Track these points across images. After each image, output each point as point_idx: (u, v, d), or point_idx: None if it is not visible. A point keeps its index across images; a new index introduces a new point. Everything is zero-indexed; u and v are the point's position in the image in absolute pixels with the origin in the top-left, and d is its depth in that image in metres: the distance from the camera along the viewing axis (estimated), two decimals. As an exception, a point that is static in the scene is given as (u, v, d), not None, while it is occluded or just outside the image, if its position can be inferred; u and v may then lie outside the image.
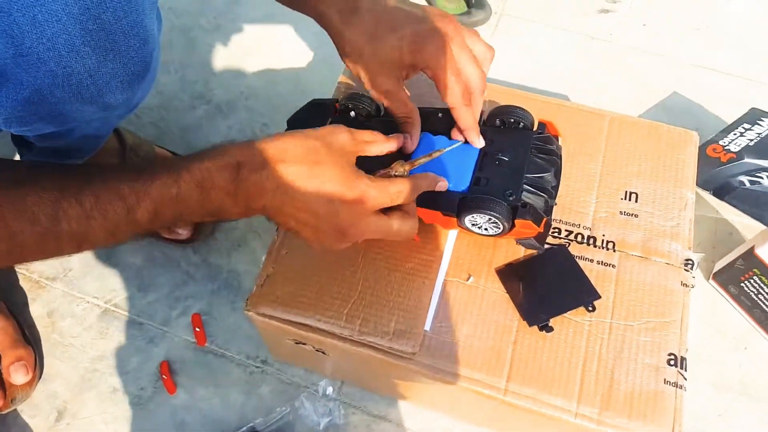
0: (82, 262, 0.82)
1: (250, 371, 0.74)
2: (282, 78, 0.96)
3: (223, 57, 0.99)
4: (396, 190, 0.48)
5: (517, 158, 0.53)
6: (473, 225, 0.53)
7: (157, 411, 0.73)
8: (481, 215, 0.51)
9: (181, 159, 0.45)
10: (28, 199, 0.39)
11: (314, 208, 0.45)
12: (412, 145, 0.55)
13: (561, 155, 0.56)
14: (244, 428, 0.70)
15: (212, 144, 0.46)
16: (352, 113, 0.59)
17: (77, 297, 0.80)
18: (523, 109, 0.56)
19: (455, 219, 0.53)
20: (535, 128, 0.56)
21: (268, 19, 1.01)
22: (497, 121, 0.56)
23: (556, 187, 0.54)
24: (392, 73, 0.53)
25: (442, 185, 0.52)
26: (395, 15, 0.52)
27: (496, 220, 0.51)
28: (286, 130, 0.60)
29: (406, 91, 0.55)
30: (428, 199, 0.52)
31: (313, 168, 0.45)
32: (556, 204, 0.58)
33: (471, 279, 0.58)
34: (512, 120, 0.56)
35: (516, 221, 0.51)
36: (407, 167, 0.51)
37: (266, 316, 0.56)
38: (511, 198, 0.51)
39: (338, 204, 0.45)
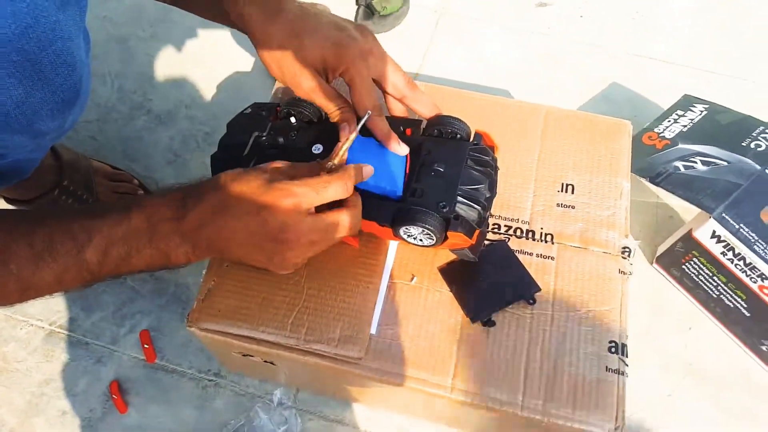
0: (23, 284, 0.79)
1: (203, 385, 0.73)
2: (222, 85, 0.95)
3: (162, 66, 0.97)
4: (332, 184, 0.47)
5: (453, 170, 0.53)
6: (408, 236, 0.53)
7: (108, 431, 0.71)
8: (415, 227, 0.51)
9: (132, 199, 0.46)
10: None
11: (245, 223, 0.45)
12: (350, 133, 0.54)
13: (497, 167, 0.56)
14: (199, 444, 0.69)
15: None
16: (293, 119, 0.58)
17: (20, 320, 0.77)
18: (460, 120, 0.56)
19: (390, 230, 0.53)
20: (471, 139, 0.57)
21: (205, 26, 0.99)
22: (435, 131, 0.56)
23: (490, 199, 0.55)
24: (315, 72, 0.53)
25: (368, 171, 0.52)
26: (319, 19, 0.53)
27: (430, 232, 0.51)
28: (226, 133, 0.60)
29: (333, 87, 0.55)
30: (365, 210, 0.52)
31: (238, 187, 0.46)
32: (491, 216, 0.59)
33: (415, 279, 0.58)
34: (449, 131, 0.56)
35: (448, 233, 0.51)
36: (336, 161, 0.51)
37: (209, 330, 0.56)
38: (444, 210, 0.51)
39: (263, 211, 0.45)
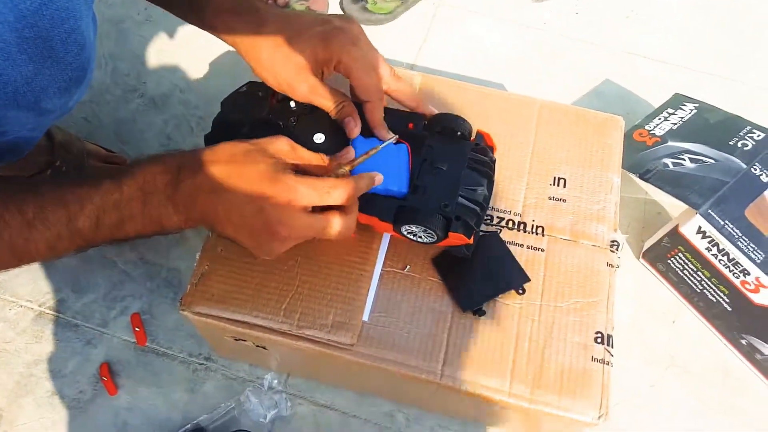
0: (13, 265, 0.78)
1: (194, 369, 0.73)
2: (217, 70, 0.94)
3: (157, 49, 0.96)
4: (337, 190, 0.47)
5: (455, 169, 0.54)
6: (408, 233, 0.54)
7: (98, 414, 0.71)
8: (418, 226, 0.52)
9: (126, 167, 0.45)
10: None
11: (241, 208, 0.45)
12: (356, 127, 0.55)
13: (494, 168, 0.57)
14: (188, 426, 0.69)
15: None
16: (293, 103, 0.57)
17: (9, 301, 0.77)
18: (463, 119, 0.57)
19: (391, 225, 0.54)
20: (473, 138, 0.57)
21: (203, 9, 0.99)
22: (438, 128, 0.57)
23: (487, 199, 0.56)
24: (309, 73, 0.53)
25: (379, 179, 0.52)
26: (301, 19, 0.53)
27: (432, 231, 0.52)
28: (220, 111, 0.59)
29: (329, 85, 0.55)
30: (367, 205, 0.52)
31: (241, 168, 0.45)
32: (487, 217, 0.60)
33: (408, 268, 0.59)
34: (452, 128, 0.56)
35: (449, 233, 0.52)
36: (347, 167, 0.51)
37: (202, 314, 0.56)
38: (446, 209, 0.52)
39: (263, 201, 0.45)
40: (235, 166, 0.45)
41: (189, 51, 0.96)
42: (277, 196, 0.45)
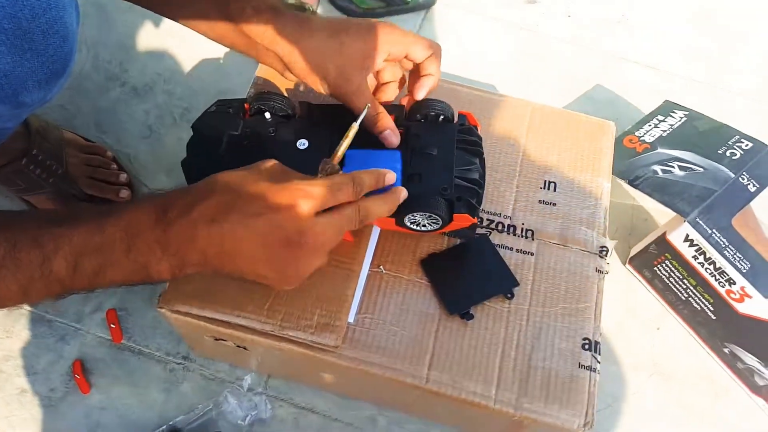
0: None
1: (171, 368, 0.71)
2: (202, 61, 0.92)
3: (141, 36, 0.93)
4: (336, 185, 0.44)
5: (446, 152, 0.53)
6: (412, 223, 0.53)
7: (70, 412, 0.69)
8: (421, 214, 0.51)
9: (109, 206, 0.42)
10: None
11: (251, 231, 0.41)
12: (395, 138, 0.54)
13: (482, 145, 0.56)
14: (164, 427, 0.67)
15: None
16: (267, 114, 0.55)
17: (-22, 294, 0.74)
18: (442, 101, 0.56)
19: (393, 219, 0.53)
20: (455, 120, 0.57)
21: (190, -2, 0.96)
22: (418, 116, 0.56)
23: (483, 176, 0.55)
24: (361, 67, 0.52)
25: (390, 178, 0.49)
26: (341, 20, 0.53)
27: (437, 217, 0.51)
28: (192, 135, 0.56)
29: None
30: None
31: (239, 191, 0.42)
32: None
33: (381, 269, 0.57)
34: (433, 113, 0.55)
35: (454, 215, 0.51)
36: (335, 161, 0.49)
37: (181, 313, 0.54)
38: (446, 192, 0.51)
39: (274, 213, 0.41)
40: (231, 194, 0.42)
41: (174, 40, 0.93)
42: (288, 204, 0.42)
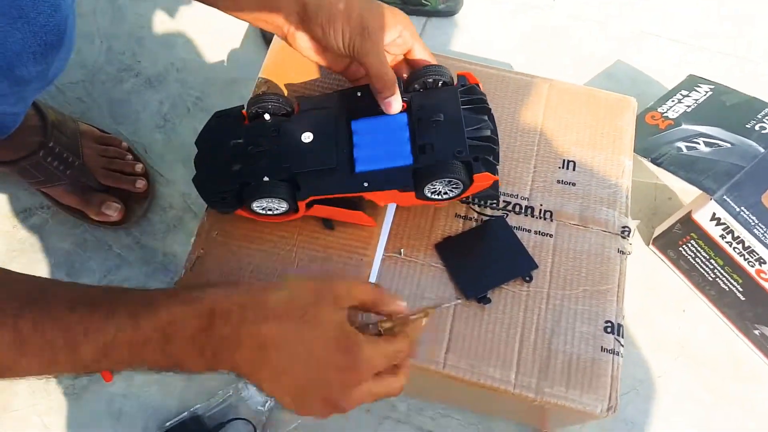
0: (7, 247, 0.77)
1: (190, 355, 0.72)
2: (215, 50, 0.91)
3: (153, 27, 0.93)
4: (394, 350, 0.43)
5: (452, 115, 0.52)
6: (433, 193, 0.52)
7: (93, 400, 0.70)
8: (440, 181, 0.50)
9: (144, 295, 0.40)
10: None
11: (299, 375, 0.40)
12: (397, 104, 0.53)
13: (487, 101, 0.55)
14: (185, 414, 0.68)
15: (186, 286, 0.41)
16: (267, 116, 0.54)
17: (2, 286, 0.75)
18: (438, 65, 0.55)
19: (413, 193, 0.52)
20: (455, 82, 0.55)
21: (200, -14, 0.96)
22: (416, 86, 0.55)
23: (495, 132, 0.54)
24: (381, 26, 0.51)
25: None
26: None
27: (457, 181, 0.51)
28: (197, 152, 0.55)
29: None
30: (381, 181, 0.51)
31: (301, 326, 0.39)
32: (493, 202, 0.58)
33: (402, 252, 0.56)
34: (431, 80, 0.54)
35: (474, 176, 0.50)
36: (402, 323, 0.47)
37: (197, 300, 0.54)
38: (461, 155, 0.50)
39: (329, 372, 0.40)
40: (292, 324, 0.39)
41: (186, 30, 0.93)
42: (346, 367, 0.40)
